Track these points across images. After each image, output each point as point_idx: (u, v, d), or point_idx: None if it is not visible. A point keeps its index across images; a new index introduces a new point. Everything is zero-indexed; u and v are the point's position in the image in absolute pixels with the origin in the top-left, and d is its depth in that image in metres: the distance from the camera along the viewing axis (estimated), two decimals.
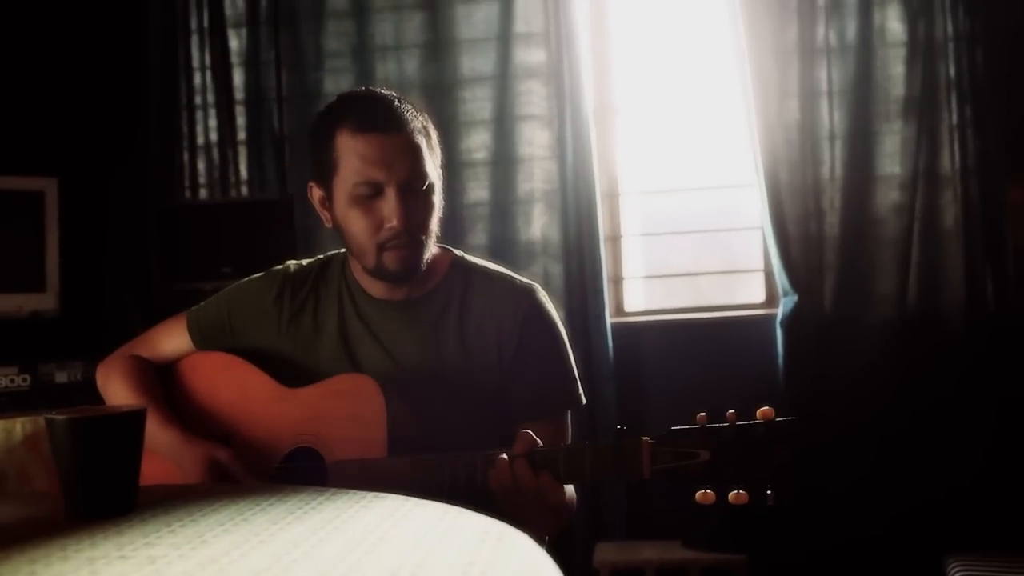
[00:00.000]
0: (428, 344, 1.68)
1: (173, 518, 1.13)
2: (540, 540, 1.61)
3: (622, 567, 3.06)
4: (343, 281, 1.75)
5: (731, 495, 1.31)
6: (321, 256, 1.84)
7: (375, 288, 1.71)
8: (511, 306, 1.69)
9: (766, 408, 1.33)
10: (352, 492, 1.25)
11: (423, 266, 1.64)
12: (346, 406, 1.59)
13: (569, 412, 1.74)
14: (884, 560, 3.10)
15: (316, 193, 1.68)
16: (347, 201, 1.60)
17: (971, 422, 3.10)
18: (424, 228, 1.62)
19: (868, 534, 3.12)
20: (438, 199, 1.65)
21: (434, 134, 1.66)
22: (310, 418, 1.63)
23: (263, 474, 1.65)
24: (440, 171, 1.67)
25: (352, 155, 1.58)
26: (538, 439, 1.45)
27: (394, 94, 1.65)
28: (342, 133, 1.59)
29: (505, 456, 1.43)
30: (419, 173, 1.59)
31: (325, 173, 1.63)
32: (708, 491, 1.32)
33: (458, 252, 1.78)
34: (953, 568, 2.63)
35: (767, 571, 3.10)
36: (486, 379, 1.67)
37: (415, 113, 1.63)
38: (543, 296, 1.74)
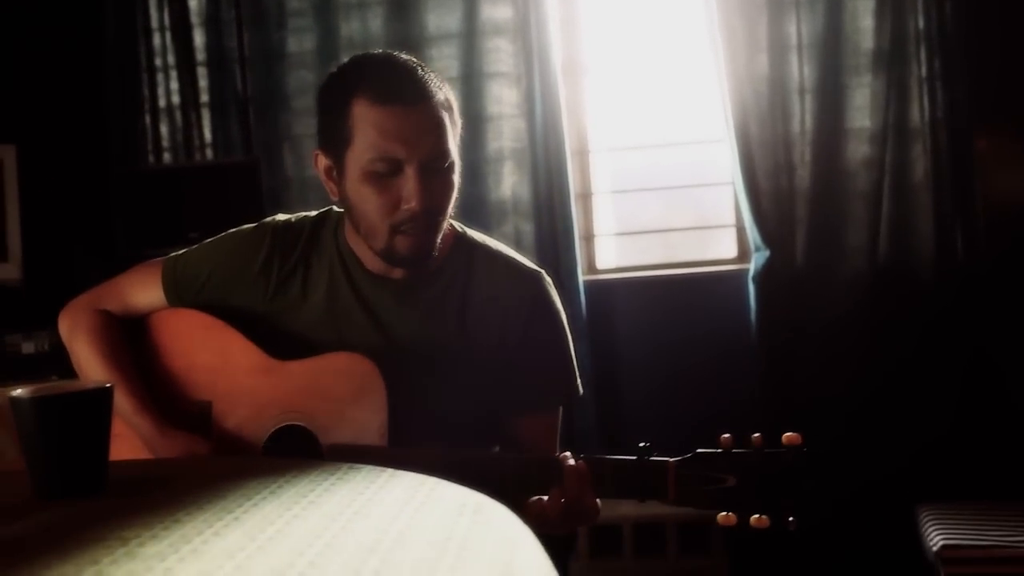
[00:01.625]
0: (425, 326, 1.59)
1: (145, 497, 1.11)
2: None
3: (599, 524, 3.07)
4: (336, 247, 1.64)
5: (752, 519, 1.30)
6: (312, 213, 1.71)
7: (372, 262, 1.60)
8: (517, 294, 1.61)
9: (792, 434, 1.32)
10: (326, 465, 1.24)
11: (435, 252, 1.55)
12: (343, 387, 1.51)
13: (563, 404, 1.70)
14: (857, 512, 3.14)
15: (322, 162, 1.56)
16: (360, 176, 1.48)
17: (943, 372, 3.12)
18: (443, 210, 1.52)
19: (842, 487, 3.16)
20: (458, 178, 1.54)
21: (456, 105, 1.54)
22: (301, 395, 1.54)
23: (250, 447, 1.58)
24: (459, 144, 1.55)
25: (370, 127, 1.46)
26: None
27: (416, 60, 1.53)
28: (359, 102, 1.47)
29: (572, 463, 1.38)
30: (442, 150, 1.47)
31: (336, 143, 1.51)
32: (730, 515, 1.31)
33: (459, 227, 1.68)
34: (925, 518, 2.68)
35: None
36: (485, 366, 1.58)
37: (439, 83, 1.51)
38: (549, 284, 1.66)
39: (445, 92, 1.51)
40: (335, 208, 1.67)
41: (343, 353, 1.54)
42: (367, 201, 1.49)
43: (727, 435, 1.33)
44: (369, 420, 1.47)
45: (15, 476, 1.26)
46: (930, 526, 2.60)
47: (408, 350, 1.57)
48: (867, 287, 3.20)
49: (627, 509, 3.10)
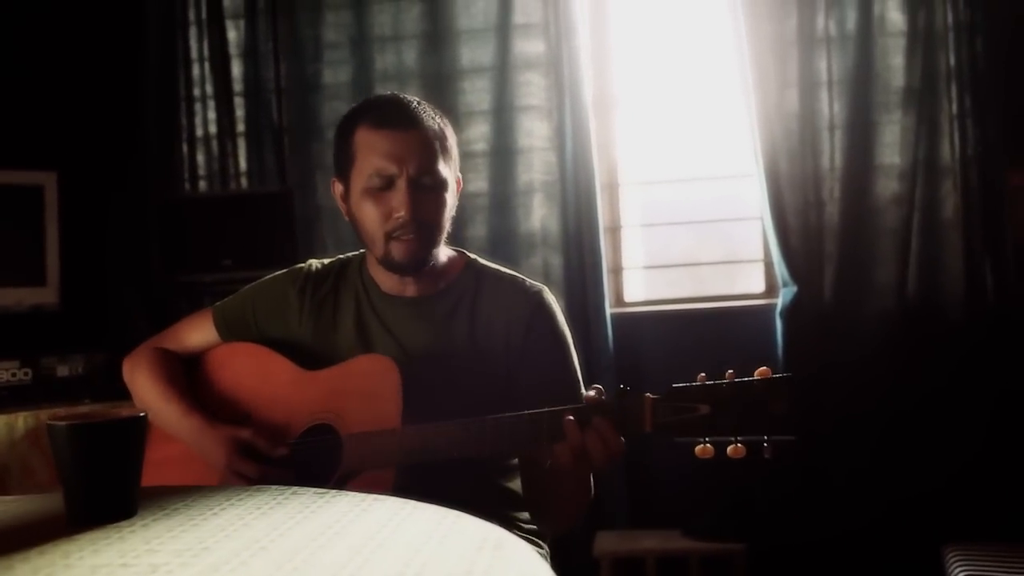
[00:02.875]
0: (439, 340, 1.73)
1: (175, 523, 1.14)
2: (559, 530, 1.73)
3: (622, 556, 3.08)
4: (360, 279, 1.81)
5: (729, 448, 1.38)
6: (341, 256, 1.90)
7: (389, 284, 1.77)
8: (519, 307, 1.74)
9: (764, 368, 1.39)
10: (351, 495, 1.26)
11: (430, 259, 1.71)
12: (363, 384, 1.66)
13: None
14: (882, 549, 3.12)
15: (337, 188, 1.76)
16: (361, 193, 1.68)
17: (970, 412, 3.10)
18: (432, 221, 1.67)
19: (867, 523, 3.14)
20: (451, 198, 1.71)
21: (452, 138, 1.73)
22: (327, 397, 1.69)
23: (281, 449, 1.69)
24: (456, 174, 1.74)
25: (368, 149, 1.66)
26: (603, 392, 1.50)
27: (416, 99, 1.72)
28: (361, 129, 1.69)
29: (570, 418, 1.46)
30: (430, 169, 1.65)
31: (344, 167, 1.71)
32: (707, 445, 1.39)
33: (471, 256, 1.84)
34: (951, 558, 2.65)
35: (766, 560, 3.11)
36: (493, 376, 1.71)
37: (432, 116, 1.70)
38: (550, 298, 1.79)
39: (439, 123, 1.71)
40: (362, 252, 1.84)
41: (364, 356, 1.71)
42: (366, 213, 1.68)
43: (703, 373, 1.41)
44: (385, 408, 1.59)
45: (49, 500, 1.30)
46: (956, 566, 2.58)
47: (422, 359, 1.71)
48: (895, 324, 3.19)
49: (650, 542, 3.10)
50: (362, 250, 1.83)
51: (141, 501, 1.20)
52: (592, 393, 1.49)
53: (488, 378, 1.71)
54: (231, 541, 1.04)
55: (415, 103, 1.70)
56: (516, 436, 1.52)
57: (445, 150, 1.70)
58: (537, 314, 1.74)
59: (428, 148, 1.66)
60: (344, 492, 1.29)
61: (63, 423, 1.15)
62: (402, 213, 1.64)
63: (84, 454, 1.15)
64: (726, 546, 3.02)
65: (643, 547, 3.08)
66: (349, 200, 1.72)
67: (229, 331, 1.88)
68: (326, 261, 1.90)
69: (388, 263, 1.70)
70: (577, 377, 1.77)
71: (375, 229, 1.68)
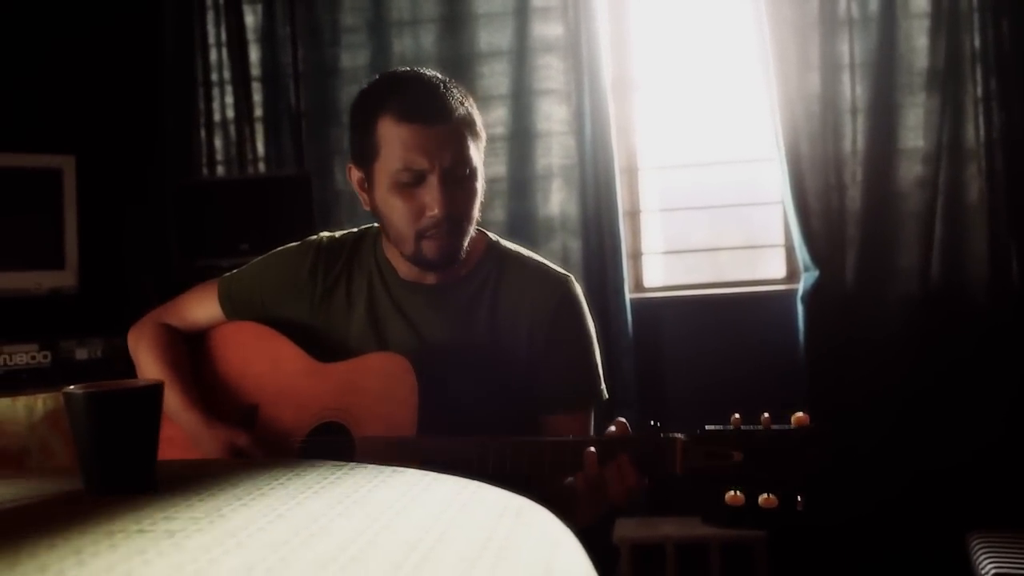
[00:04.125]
0: (458, 329, 1.66)
1: (191, 492, 1.13)
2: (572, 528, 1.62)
3: (642, 543, 3.06)
4: (375, 258, 1.73)
5: (761, 498, 1.30)
6: (355, 229, 1.81)
7: (406, 270, 1.69)
8: (543, 297, 1.67)
9: (800, 414, 1.32)
10: (370, 467, 1.25)
11: (462, 255, 1.62)
12: (377, 383, 1.59)
13: (592, 407, 1.73)
14: (905, 536, 3.09)
15: (355, 175, 1.65)
16: (388, 187, 1.57)
17: (993, 398, 3.07)
18: (467, 216, 1.59)
19: (889, 510, 3.11)
20: (481, 184, 1.62)
21: (479, 118, 1.62)
22: (340, 393, 1.63)
23: (290, 445, 1.65)
24: (482, 155, 1.64)
25: (395, 142, 1.54)
26: (628, 427, 1.45)
27: (440, 77, 1.61)
28: (384, 120, 1.56)
29: (592, 450, 1.40)
30: (462, 159, 1.56)
31: (366, 157, 1.60)
32: (738, 493, 1.32)
33: (493, 236, 1.76)
34: (976, 545, 2.62)
35: (786, 547, 3.08)
36: (514, 368, 1.65)
37: (460, 98, 1.59)
38: (576, 288, 1.72)
39: (467, 107, 1.60)
40: (375, 225, 1.74)
41: (379, 353, 1.64)
42: (395, 210, 1.58)
43: (736, 415, 1.35)
44: (399, 413, 1.53)
45: (66, 473, 1.29)
46: (981, 554, 2.55)
47: (440, 351, 1.65)
48: (918, 309, 3.16)
49: (670, 528, 3.08)
50: (376, 224, 1.73)
51: (156, 473, 1.19)
52: (613, 429, 1.43)
53: (507, 369, 1.65)
54: (248, 509, 1.03)
55: (441, 87, 1.58)
56: (537, 462, 1.45)
57: (475, 134, 1.60)
58: (562, 306, 1.67)
59: (459, 138, 1.56)
60: (362, 465, 1.27)
61: (80, 391, 1.14)
62: (436, 211, 1.53)
63: (101, 422, 1.14)
64: (746, 533, 2.99)
65: (662, 533, 3.06)
66: (372, 192, 1.61)
67: (234, 310, 1.81)
68: (338, 234, 1.81)
69: (419, 261, 1.61)
70: (598, 373, 1.71)
71: (405, 227, 1.57)
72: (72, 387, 1.16)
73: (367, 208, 1.67)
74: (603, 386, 1.72)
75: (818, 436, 1.31)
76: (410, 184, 1.55)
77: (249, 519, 0.99)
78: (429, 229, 1.56)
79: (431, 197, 1.54)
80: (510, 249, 1.74)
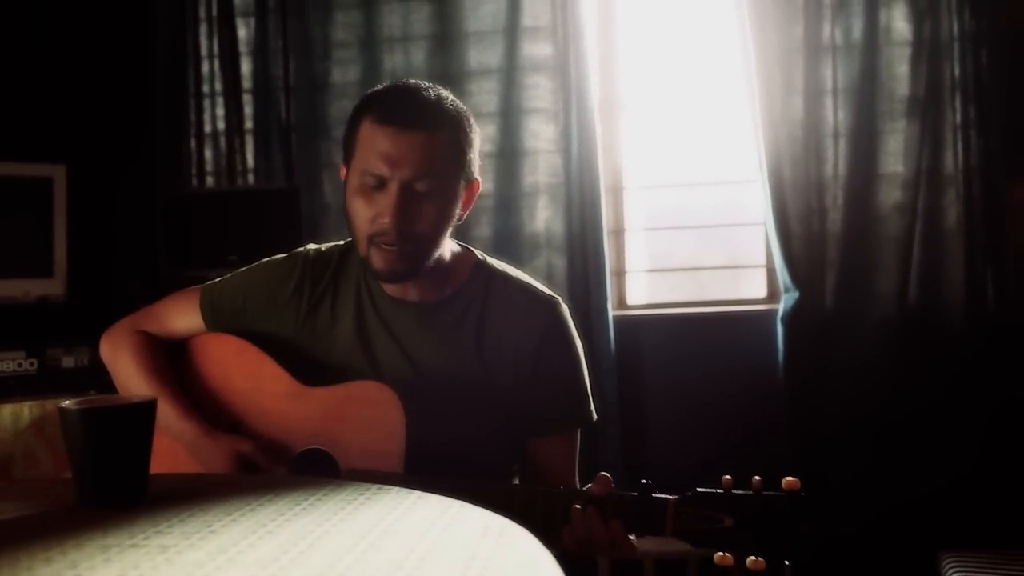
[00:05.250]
0: (443, 350, 1.64)
1: (183, 508, 1.16)
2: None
3: (621, 559, 3.08)
4: (362, 274, 1.70)
5: (749, 561, 1.31)
6: (342, 242, 1.77)
7: (391, 286, 1.66)
8: (531, 320, 1.65)
9: (791, 479, 1.33)
10: (356, 484, 1.28)
11: (417, 274, 1.59)
12: (364, 413, 1.57)
13: (579, 430, 1.73)
14: (880, 555, 3.13)
15: (343, 172, 1.64)
16: (354, 187, 1.57)
17: (968, 421, 3.12)
18: (420, 234, 1.55)
19: (864, 529, 3.15)
20: (452, 208, 1.58)
21: (468, 139, 1.59)
22: (325, 420, 1.60)
23: (279, 466, 1.63)
24: (473, 177, 1.62)
25: (367, 144, 1.54)
26: (612, 483, 1.43)
27: (436, 91, 1.59)
28: (365, 120, 1.56)
29: (578, 507, 1.40)
30: (427, 174, 1.52)
31: (347, 154, 1.60)
32: (727, 555, 1.32)
33: (480, 255, 1.73)
34: (948, 564, 2.66)
35: None
36: (501, 391, 1.64)
37: (452, 114, 1.57)
38: (564, 311, 1.70)
39: (457, 121, 1.56)
40: None
41: (367, 381, 1.61)
42: (355, 211, 1.57)
43: (728, 476, 1.35)
44: (387, 446, 1.52)
45: (58, 485, 1.32)
46: (952, 572, 2.59)
47: (427, 373, 1.63)
48: (895, 332, 3.20)
49: (649, 544, 3.11)
50: None
51: (148, 487, 1.22)
52: (594, 486, 1.41)
53: (494, 392, 1.63)
54: (238, 525, 1.06)
55: (432, 98, 1.56)
56: (527, 511, 1.39)
57: (458, 155, 1.57)
58: (551, 330, 1.66)
59: (431, 153, 1.52)
60: (349, 482, 1.30)
61: (75, 407, 1.17)
62: (386, 220, 1.52)
63: (95, 438, 1.17)
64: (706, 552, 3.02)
65: (641, 549, 3.07)
66: (346, 191, 1.60)
67: (216, 321, 1.76)
68: (324, 247, 1.78)
69: (368, 268, 1.60)
70: (587, 395, 1.70)
71: (361, 229, 1.56)
72: (67, 402, 1.18)
73: (343, 210, 1.65)
74: (592, 408, 1.71)
75: (808, 503, 1.32)
76: (373, 188, 1.53)
77: (240, 535, 1.02)
78: (377, 236, 1.54)
79: (384, 205, 1.52)
80: (497, 269, 1.72)
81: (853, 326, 3.24)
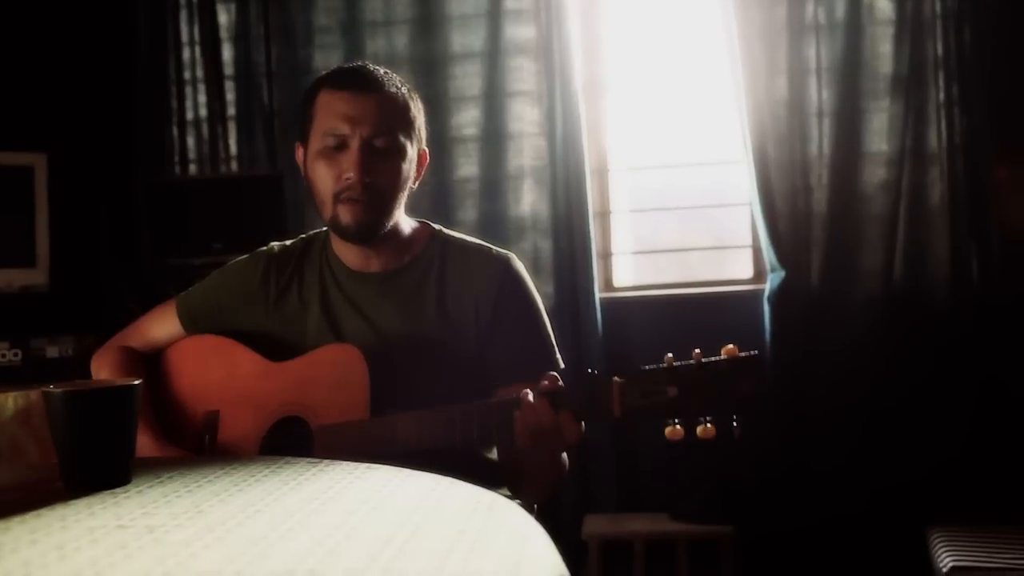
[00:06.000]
0: (408, 314, 1.71)
1: (169, 489, 1.15)
2: (530, 508, 1.66)
3: (611, 539, 3.10)
4: (324, 256, 1.79)
5: (699, 429, 1.37)
6: (303, 235, 1.88)
7: (353, 260, 1.75)
8: (486, 275, 1.73)
9: (730, 346, 1.39)
10: (345, 464, 1.28)
11: (380, 227, 1.68)
12: (330, 373, 1.64)
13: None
14: (868, 532, 3.15)
15: (299, 151, 1.74)
16: (315, 153, 1.66)
17: (954, 397, 3.13)
18: (383, 187, 1.65)
19: (853, 507, 3.17)
20: (408, 168, 1.69)
21: (417, 111, 1.72)
22: (295, 388, 1.68)
23: (250, 445, 1.68)
24: (421, 147, 1.73)
25: (325, 108, 1.66)
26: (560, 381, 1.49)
27: (384, 69, 1.72)
28: (322, 91, 1.68)
29: (530, 392, 1.46)
30: (385, 131, 1.64)
31: (304, 129, 1.71)
32: (677, 426, 1.38)
33: (436, 226, 1.82)
34: (936, 539, 2.68)
35: (754, 545, 3.14)
36: (465, 347, 1.70)
37: (398, 86, 1.70)
38: (518, 264, 1.78)
39: (404, 94, 1.70)
40: (325, 229, 1.81)
41: (330, 345, 1.69)
42: (319, 175, 1.67)
43: (670, 354, 1.41)
44: (353, 398, 1.58)
45: (43, 469, 1.31)
46: (940, 548, 2.61)
47: (393, 339, 1.70)
48: (881, 310, 3.22)
49: (638, 525, 3.12)
50: (326, 228, 1.79)
51: (135, 471, 1.22)
52: (546, 383, 1.48)
53: (460, 350, 1.70)
54: (226, 505, 1.06)
55: (381, 71, 1.70)
56: (485, 423, 1.51)
57: (407, 120, 1.69)
58: (505, 282, 1.73)
59: (385, 112, 1.65)
60: (337, 462, 1.30)
61: (58, 390, 1.16)
62: (351, 174, 1.62)
63: (79, 421, 1.16)
64: (714, 529, 3.04)
65: (631, 530, 3.10)
66: (306, 162, 1.71)
67: (193, 324, 1.85)
68: (288, 242, 1.87)
69: (336, 226, 1.68)
70: (551, 343, 1.75)
71: (325, 190, 1.66)
72: (51, 386, 1.18)
73: (305, 181, 1.73)
74: (557, 355, 1.76)
75: (747, 363, 1.37)
76: (334, 149, 1.64)
77: (228, 514, 1.01)
78: (343, 191, 1.63)
79: (348, 161, 1.62)
80: (452, 235, 1.81)
81: (839, 305, 3.25)
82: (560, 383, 1.49)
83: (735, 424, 1.36)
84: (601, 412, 1.43)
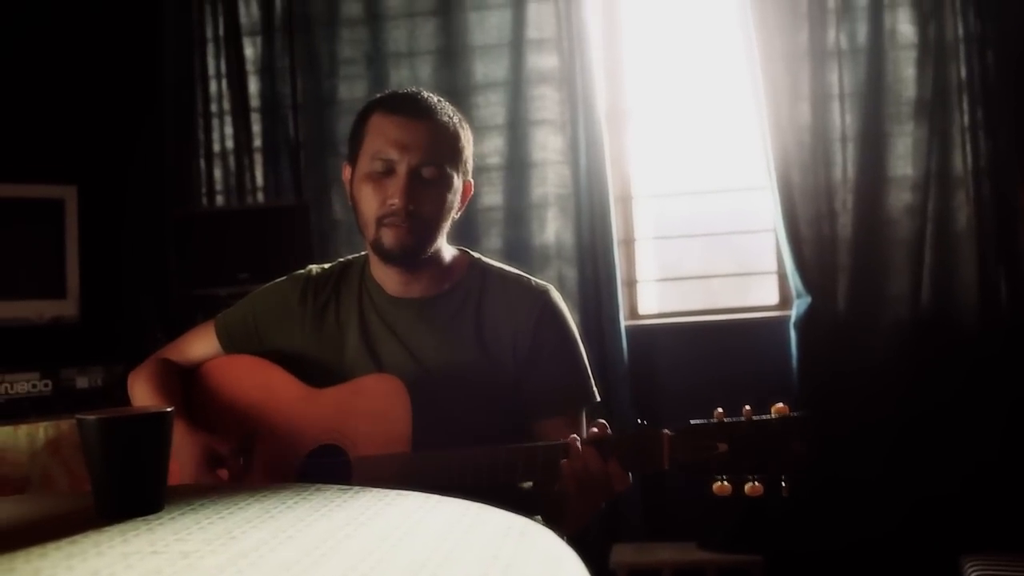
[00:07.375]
0: (446, 342, 1.71)
1: (202, 516, 1.16)
2: (567, 533, 1.65)
3: (639, 568, 3.08)
4: (362, 281, 1.80)
5: (747, 487, 1.36)
6: (342, 259, 1.89)
7: (392, 286, 1.75)
8: (525, 306, 1.73)
9: (780, 405, 1.38)
10: (376, 490, 1.28)
11: (422, 252, 1.69)
12: (371, 404, 1.63)
13: (584, 410, 1.77)
14: (899, 559, 3.11)
15: (346, 171, 1.75)
16: (363, 175, 1.68)
17: (983, 423, 3.10)
18: (427, 215, 1.66)
19: (883, 534, 3.13)
20: (453, 198, 1.70)
21: (467, 142, 1.73)
22: (335, 416, 1.67)
23: (287, 470, 1.68)
24: (466, 178, 1.74)
25: (376, 133, 1.67)
26: (609, 429, 1.49)
27: (438, 97, 1.73)
28: (375, 114, 1.69)
29: (578, 439, 1.46)
30: (433, 160, 1.64)
31: (354, 150, 1.72)
32: (725, 483, 1.37)
33: (476, 254, 1.83)
34: (970, 568, 2.64)
35: (783, 572, 3.10)
36: (502, 377, 1.70)
37: (450, 115, 1.70)
38: (556, 296, 1.78)
39: (455, 124, 1.70)
40: (364, 253, 1.82)
41: (372, 375, 1.69)
42: (364, 196, 1.68)
43: (720, 409, 1.40)
44: (395, 432, 1.57)
45: (78, 497, 1.32)
46: None
47: (431, 366, 1.70)
48: (909, 335, 3.19)
49: (666, 554, 3.10)
50: (364, 252, 1.81)
51: (167, 498, 1.22)
52: (595, 430, 1.48)
53: (496, 381, 1.70)
54: (258, 531, 1.06)
55: (435, 99, 1.70)
56: (531, 467, 1.51)
57: (456, 151, 1.69)
58: (544, 315, 1.73)
59: (434, 141, 1.65)
60: (367, 488, 1.30)
61: (93, 417, 1.17)
62: (396, 201, 1.63)
63: (113, 447, 1.17)
64: (742, 558, 3.01)
65: (659, 559, 3.08)
66: (353, 183, 1.72)
67: (232, 343, 1.87)
68: (326, 265, 1.89)
69: (378, 249, 1.69)
70: (587, 375, 1.76)
71: (370, 213, 1.67)
72: (85, 413, 1.19)
73: (350, 203, 1.74)
74: (593, 387, 1.76)
75: (798, 423, 1.36)
76: (381, 174, 1.65)
77: (260, 541, 1.02)
78: (387, 216, 1.65)
79: (395, 187, 1.63)
80: (491, 264, 1.82)
81: (866, 330, 3.23)
82: (608, 431, 1.48)
83: (784, 484, 1.35)
84: (649, 464, 1.43)
